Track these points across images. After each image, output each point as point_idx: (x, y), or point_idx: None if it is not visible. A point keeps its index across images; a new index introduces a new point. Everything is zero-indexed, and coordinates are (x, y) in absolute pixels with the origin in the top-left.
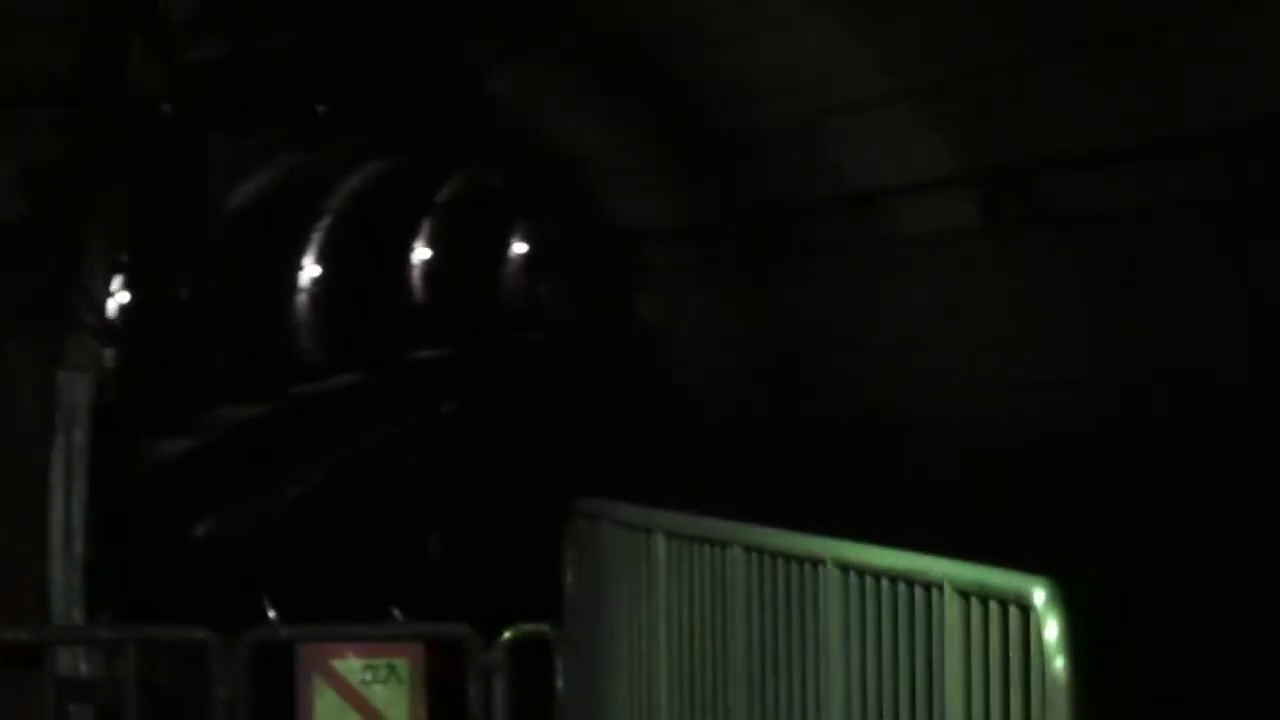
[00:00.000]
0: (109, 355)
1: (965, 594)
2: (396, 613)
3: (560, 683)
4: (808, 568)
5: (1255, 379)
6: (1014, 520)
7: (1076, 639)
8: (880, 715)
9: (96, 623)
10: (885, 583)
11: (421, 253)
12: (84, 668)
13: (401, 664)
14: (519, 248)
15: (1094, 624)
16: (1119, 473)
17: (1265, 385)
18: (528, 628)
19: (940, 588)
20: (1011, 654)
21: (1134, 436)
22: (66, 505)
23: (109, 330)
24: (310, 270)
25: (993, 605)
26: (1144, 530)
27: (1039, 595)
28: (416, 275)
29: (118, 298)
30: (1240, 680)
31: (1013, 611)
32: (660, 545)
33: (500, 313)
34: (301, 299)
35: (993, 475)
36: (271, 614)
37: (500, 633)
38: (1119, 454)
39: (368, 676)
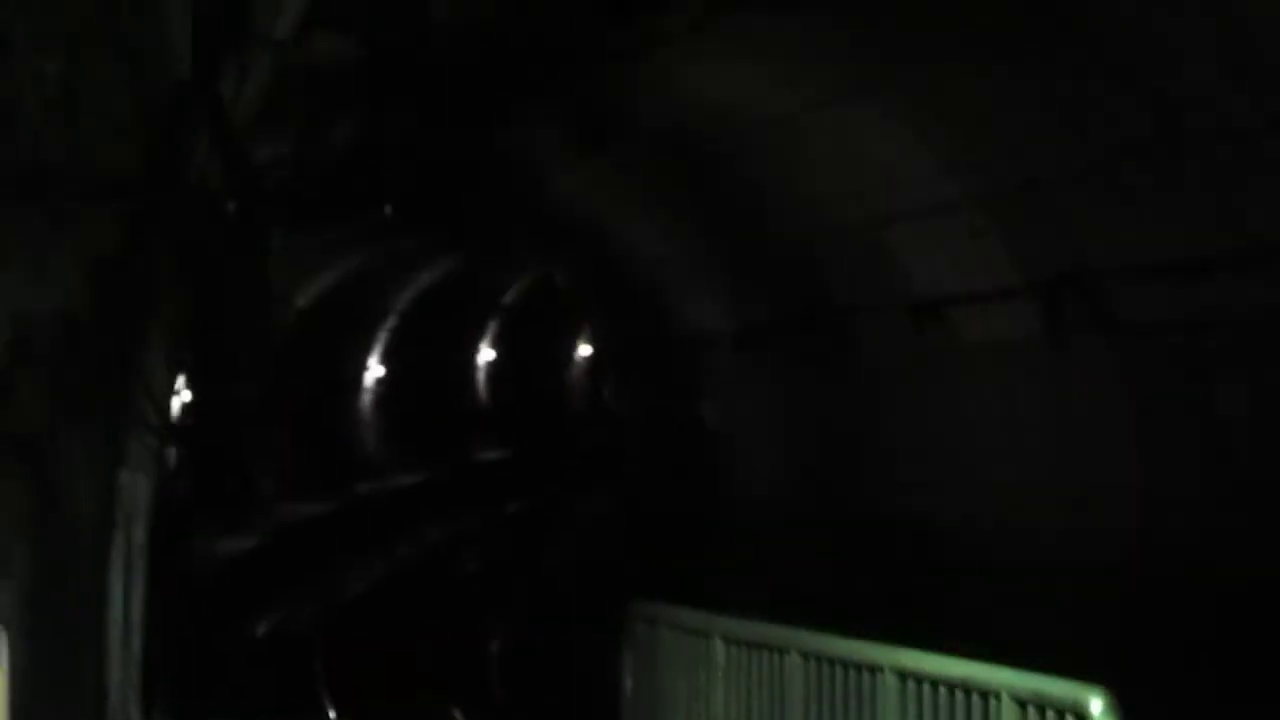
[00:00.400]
0: (171, 453)
1: (1022, 703)
2: (458, 714)
3: None
4: (865, 674)
5: None
6: (1068, 633)
7: None
8: None
9: None
10: (943, 690)
11: (487, 352)
12: None
13: None
14: (583, 348)
15: None
16: (1179, 590)
17: None
18: None
19: (998, 696)
20: None
21: (1199, 553)
22: (125, 604)
23: (170, 427)
24: (376, 369)
25: (1050, 714)
26: (1203, 646)
27: (1095, 704)
28: (481, 374)
29: (180, 394)
30: None
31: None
32: (719, 650)
33: (564, 413)
34: (367, 398)
35: (1050, 588)
36: (332, 713)
37: None
38: (1181, 570)
39: None
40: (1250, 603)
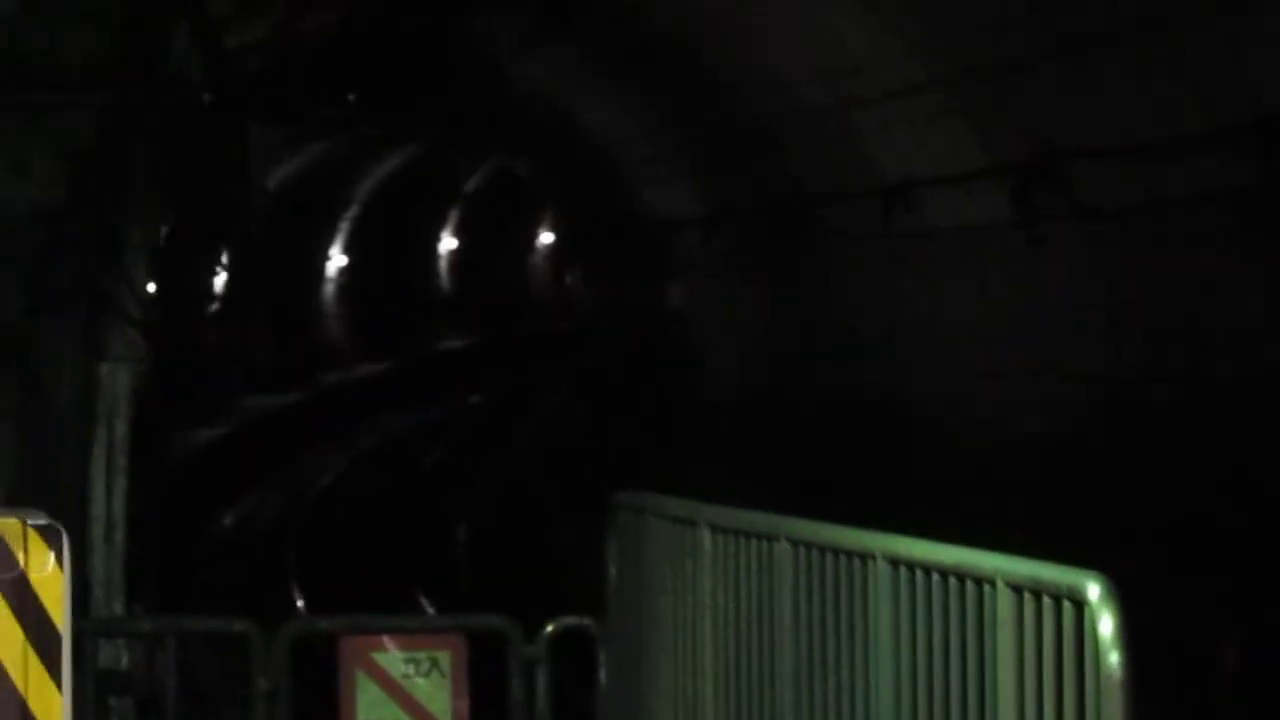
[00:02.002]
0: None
1: (1018, 589)
2: (425, 602)
3: (603, 676)
4: (856, 562)
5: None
6: (1043, 512)
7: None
8: (931, 711)
9: (135, 615)
10: (936, 577)
11: (449, 242)
12: (124, 661)
13: (443, 657)
14: (547, 236)
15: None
16: (1147, 464)
17: None
18: (570, 620)
19: (993, 582)
20: (1065, 649)
21: (1162, 428)
22: (108, 498)
23: (149, 319)
24: (339, 259)
25: (1046, 600)
26: (1172, 520)
27: (1093, 590)
28: (445, 264)
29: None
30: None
31: (1066, 606)
32: (706, 538)
33: (528, 301)
34: (330, 288)
35: (1017, 467)
36: (300, 603)
37: (538, 624)
38: (1148, 445)
39: (409, 670)
40: (1212, 480)
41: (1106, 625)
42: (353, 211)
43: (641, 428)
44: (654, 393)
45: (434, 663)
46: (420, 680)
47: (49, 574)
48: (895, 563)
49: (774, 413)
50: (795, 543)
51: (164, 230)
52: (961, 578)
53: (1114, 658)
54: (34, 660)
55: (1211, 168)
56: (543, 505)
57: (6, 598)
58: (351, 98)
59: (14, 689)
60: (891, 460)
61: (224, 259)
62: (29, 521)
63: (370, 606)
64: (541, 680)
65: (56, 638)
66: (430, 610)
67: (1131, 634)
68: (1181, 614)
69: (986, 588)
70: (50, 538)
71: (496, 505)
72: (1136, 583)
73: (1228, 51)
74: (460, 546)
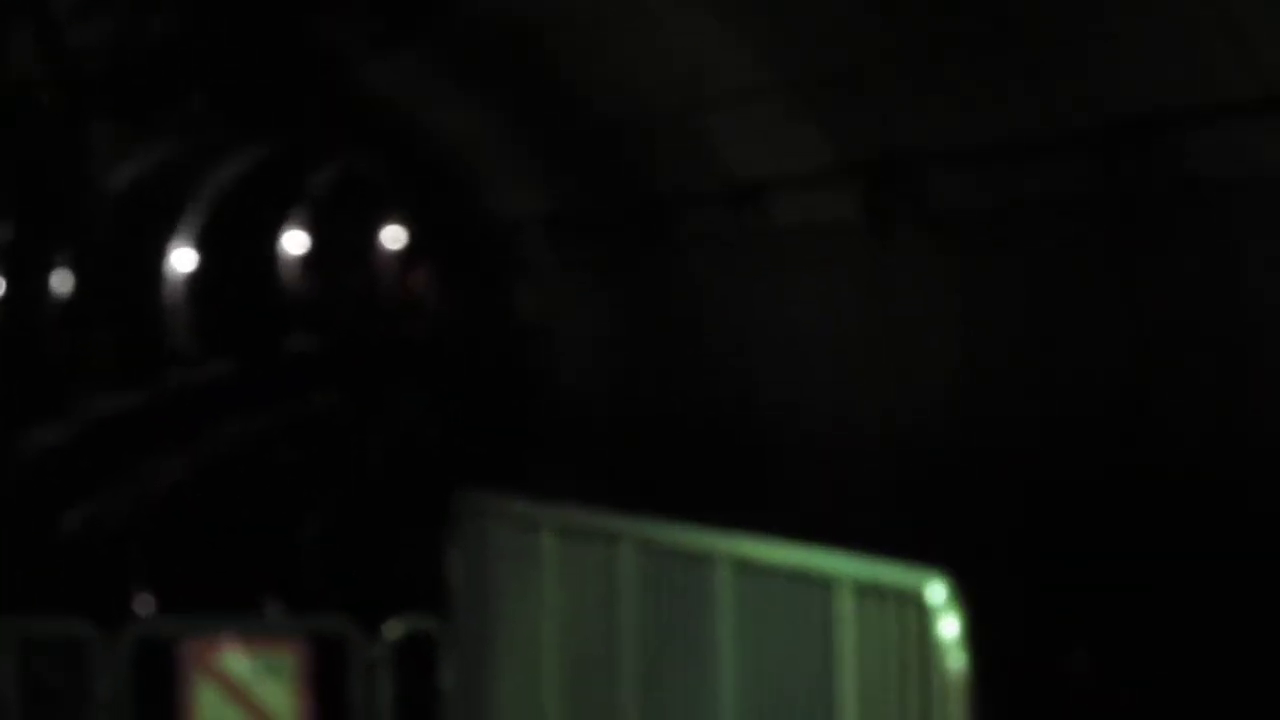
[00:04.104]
0: None
1: (860, 591)
2: (273, 606)
3: (446, 679)
4: (700, 564)
5: (1133, 378)
6: (885, 518)
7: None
8: (774, 713)
9: None
10: (778, 580)
11: (299, 243)
12: None
13: (286, 659)
14: (399, 238)
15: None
16: (993, 469)
17: (1142, 385)
18: (412, 623)
19: (835, 585)
20: (907, 651)
21: (1008, 434)
22: None
23: None
24: (185, 259)
25: (888, 602)
26: (1016, 528)
27: (935, 592)
28: (295, 266)
29: None
30: (1125, 667)
31: (909, 608)
32: (548, 541)
33: (380, 303)
34: (178, 289)
35: (865, 472)
36: (146, 605)
37: (381, 627)
38: (992, 452)
39: (252, 673)
40: (1057, 485)
41: (948, 628)
42: (200, 212)
43: (493, 431)
44: (506, 396)
45: (276, 666)
46: (263, 683)
47: None
48: (739, 565)
49: (625, 417)
50: (638, 545)
51: (4, 233)
52: (805, 580)
53: (955, 660)
54: None
55: (1059, 173)
56: (393, 509)
57: None
58: (198, 98)
59: None
60: (742, 465)
61: (67, 261)
62: None
63: (217, 610)
64: (384, 683)
65: None
66: (274, 613)
67: (977, 636)
68: (1029, 618)
69: (829, 590)
70: None
71: (346, 508)
72: (984, 587)
73: (1075, 58)
74: (308, 550)
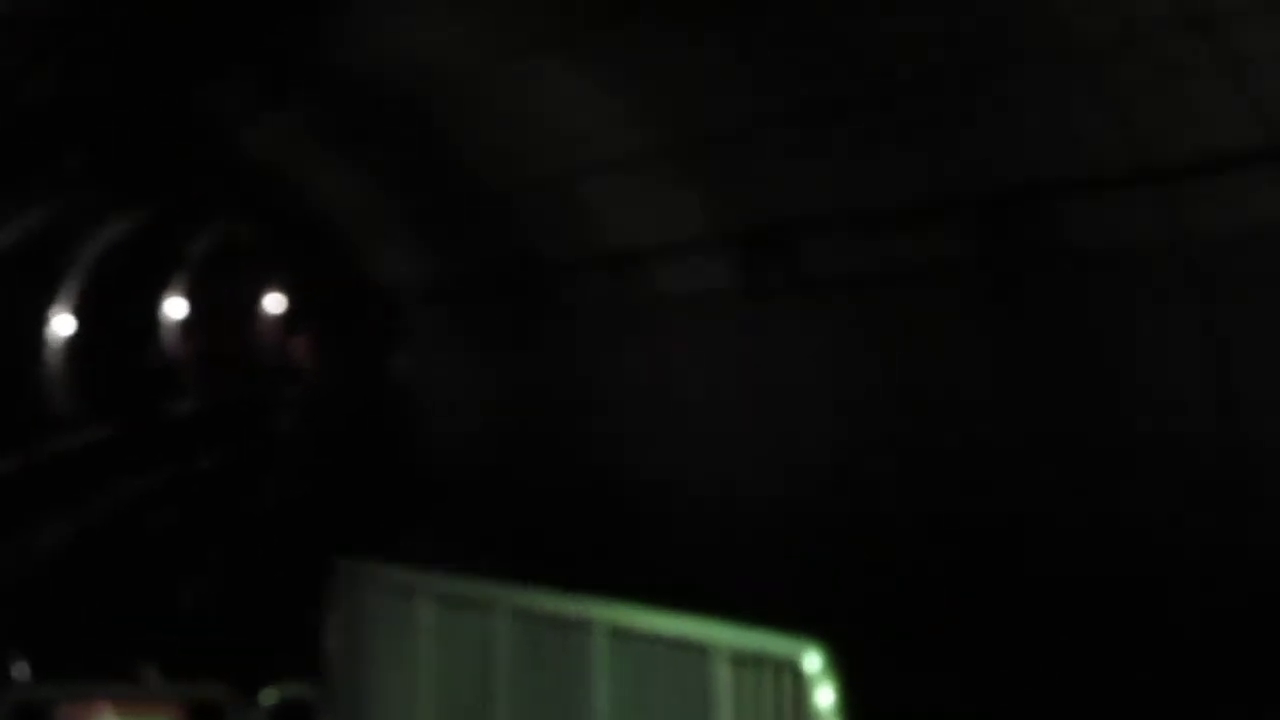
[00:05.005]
0: None
1: (738, 659)
2: (150, 671)
3: None
4: (576, 632)
5: (1006, 444)
6: (766, 583)
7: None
8: None
9: None
10: (656, 648)
11: (178, 306)
12: None
13: None
14: (277, 303)
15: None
16: (871, 535)
17: (1015, 451)
18: (289, 689)
19: (713, 652)
20: (784, 719)
21: (884, 499)
22: None
23: None
24: (64, 322)
25: (765, 670)
26: (892, 595)
27: (812, 661)
28: (173, 328)
29: None
30: None
31: (786, 677)
32: (424, 607)
33: (257, 367)
34: (53, 351)
35: (745, 539)
36: (22, 670)
37: (258, 692)
38: (870, 517)
39: None
40: (934, 552)
41: (825, 696)
42: (79, 276)
43: (370, 497)
44: (384, 462)
45: None
46: None
47: None
48: (615, 633)
49: (507, 483)
50: (514, 613)
51: None
52: (683, 648)
53: None
54: None
55: (938, 239)
56: (271, 573)
57: None
58: (74, 160)
59: None
60: (623, 532)
61: None
62: None
63: (95, 676)
64: None
65: None
66: (150, 680)
67: (853, 704)
68: (903, 686)
69: (706, 658)
70: None
71: (224, 573)
72: (859, 654)
73: (952, 126)
74: (186, 614)
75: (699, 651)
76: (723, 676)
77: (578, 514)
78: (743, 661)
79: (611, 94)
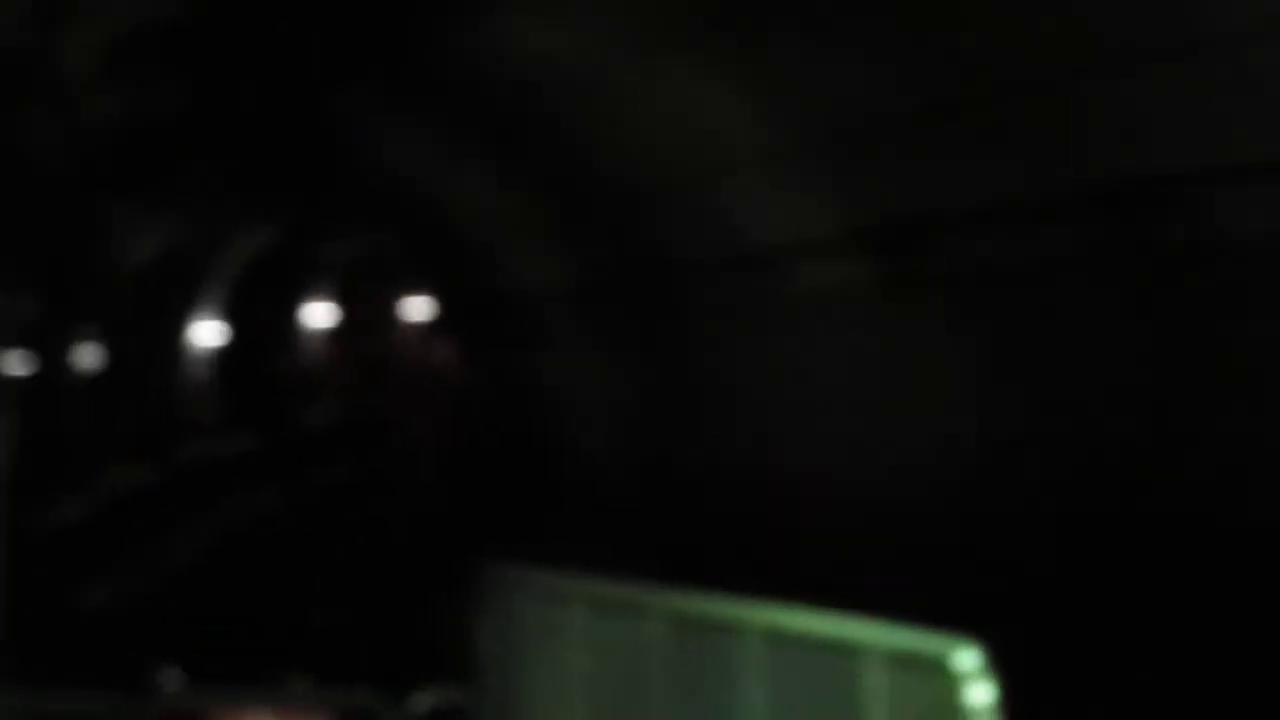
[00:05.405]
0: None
1: (890, 660)
2: (300, 677)
3: None
4: (728, 635)
5: (1150, 439)
6: (914, 582)
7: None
8: None
9: (4, 690)
10: (807, 650)
11: (318, 316)
12: None
13: None
14: (418, 311)
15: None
16: (1018, 530)
17: (1161, 446)
18: (439, 695)
19: (865, 654)
20: (936, 719)
21: (1023, 496)
22: None
23: (12, 397)
24: (205, 332)
25: (918, 671)
26: (1043, 592)
27: (966, 660)
28: (313, 339)
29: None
30: None
31: (939, 677)
32: (576, 613)
33: (399, 376)
34: (195, 361)
35: (888, 537)
36: (172, 679)
37: (408, 699)
38: (1009, 518)
39: None
40: (1091, 539)
41: (979, 696)
42: (221, 285)
43: (515, 502)
44: (528, 466)
45: None
46: None
47: None
48: (767, 635)
49: (647, 485)
50: (666, 617)
51: (26, 310)
52: (833, 649)
53: None
54: None
55: (1076, 233)
56: (416, 580)
57: None
58: (214, 172)
59: None
60: (766, 531)
61: (87, 336)
62: None
63: (243, 683)
64: None
65: None
66: (301, 686)
67: (1008, 703)
68: (1056, 684)
69: (857, 658)
70: None
71: (369, 580)
72: (1008, 650)
73: (1097, 117)
74: (332, 621)
75: (850, 651)
76: (875, 676)
77: (722, 515)
78: (895, 661)
79: (744, 94)
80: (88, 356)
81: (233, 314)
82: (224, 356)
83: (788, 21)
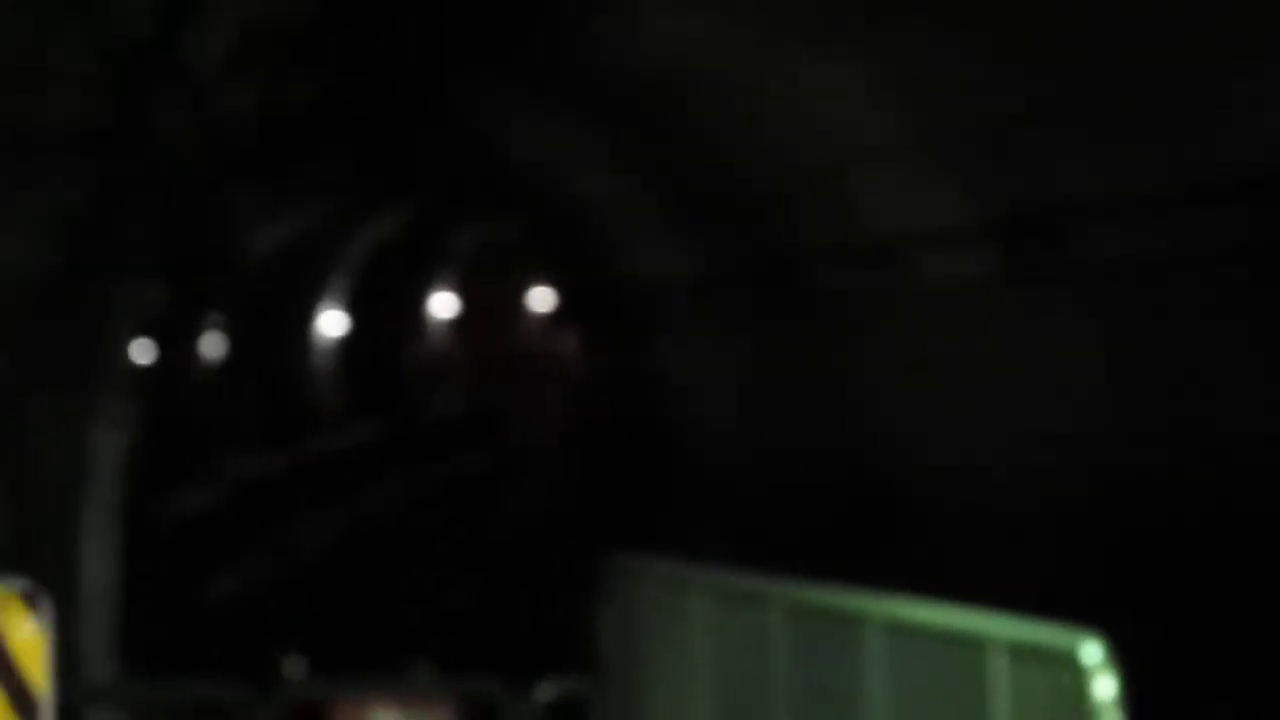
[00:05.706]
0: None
1: (1014, 652)
2: (424, 666)
3: None
4: (850, 626)
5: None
6: (1040, 574)
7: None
8: None
9: (127, 682)
10: (930, 642)
11: (441, 305)
12: None
13: None
14: (540, 300)
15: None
16: (1139, 530)
17: None
18: (563, 684)
19: (989, 646)
20: (1062, 712)
21: (1156, 490)
22: (98, 565)
23: (139, 387)
24: (330, 322)
25: (1042, 663)
26: (1166, 584)
27: (1090, 652)
28: (436, 328)
29: (145, 352)
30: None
31: (1063, 670)
32: (697, 602)
33: (522, 365)
34: (320, 351)
35: (1014, 531)
36: (297, 667)
37: (533, 688)
38: (1140, 513)
39: None
40: (1225, 535)
41: (1104, 689)
42: (346, 275)
43: (637, 492)
44: (649, 455)
45: None
46: None
47: (29, 639)
48: (890, 626)
49: (770, 477)
50: (788, 607)
51: (154, 298)
52: (958, 642)
53: None
54: None
55: (1203, 226)
56: (540, 570)
57: None
58: (340, 162)
59: None
60: (889, 522)
61: (213, 325)
62: (9, 587)
63: (368, 672)
64: None
65: (33, 703)
66: (425, 676)
67: (1132, 696)
68: (1180, 678)
69: (982, 651)
70: (31, 603)
71: (493, 569)
72: (1136, 646)
73: (1216, 112)
74: (458, 611)
75: (974, 644)
76: (999, 669)
77: (841, 503)
78: (1019, 654)
79: (871, 84)
80: (215, 345)
81: (358, 303)
82: (349, 345)
83: (917, 12)
